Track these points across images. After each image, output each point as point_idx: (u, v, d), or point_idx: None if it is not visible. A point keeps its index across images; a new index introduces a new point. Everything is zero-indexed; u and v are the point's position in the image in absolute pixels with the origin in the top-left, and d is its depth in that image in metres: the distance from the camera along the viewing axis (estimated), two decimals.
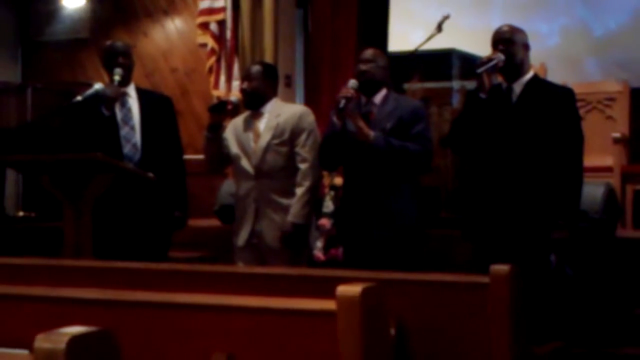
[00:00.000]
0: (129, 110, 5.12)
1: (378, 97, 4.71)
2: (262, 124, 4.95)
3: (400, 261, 4.43)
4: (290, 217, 4.81)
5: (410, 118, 4.63)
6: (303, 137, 4.89)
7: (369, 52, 4.77)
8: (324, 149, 4.74)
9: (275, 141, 4.89)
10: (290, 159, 4.89)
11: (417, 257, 4.62)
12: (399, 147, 4.53)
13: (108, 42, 5.42)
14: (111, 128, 5.02)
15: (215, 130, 4.94)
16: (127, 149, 5.05)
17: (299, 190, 4.84)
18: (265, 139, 4.90)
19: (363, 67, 4.67)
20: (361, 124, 4.54)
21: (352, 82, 4.58)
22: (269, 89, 5.00)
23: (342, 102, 4.47)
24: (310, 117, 4.98)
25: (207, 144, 5.01)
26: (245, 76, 5.04)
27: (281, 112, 4.96)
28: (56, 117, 5.33)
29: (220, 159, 5.08)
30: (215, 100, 7.65)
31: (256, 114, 4.98)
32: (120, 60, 5.10)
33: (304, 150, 4.87)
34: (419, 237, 4.71)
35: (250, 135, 4.95)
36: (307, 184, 4.84)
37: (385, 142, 4.52)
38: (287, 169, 4.89)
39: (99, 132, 4.96)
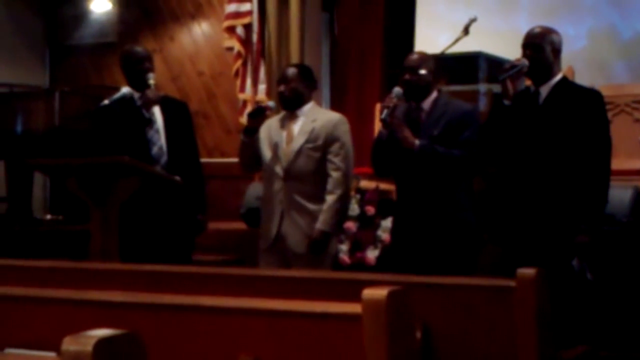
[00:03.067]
0: (152, 114, 5.15)
1: (427, 102, 4.66)
2: (297, 127, 4.95)
3: (459, 268, 4.36)
4: (320, 225, 4.82)
5: (458, 123, 4.57)
6: (337, 145, 4.89)
7: (413, 59, 4.70)
8: (374, 157, 4.73)
9: (309, 145, 4.89)
10: (321, 164, 4.89)
11: (476, 263, 4.58)
12: (443, 154, 4.49)
13: (127, 48, 5.47)
14: (140, 130, 5.06)
15: (252, 134, 4.95)
16: (154, 150, 5.09)
17: (330, 198, 4.84)
18: (299, 142, 4.91)
19: (407, 75, 4.63)
20: (406, 133, 4.51)
21: (396, 91, 4.54)
22: (306, 90, 5.01)
23: (385, 112, 4.46)
24: (345, 126, 4.98)
25: (243, 147, 5.03)
26: (282, 79, 5.03)
27: (317, 117, 4.96)
28: (84, 121, 5.36)
29: (254, 161, 5.10)
30: (246, 107, 7.70)
31: (291, 115, 4.98)
32: (147, 65, 5.15)
33: (338, 159, 4.87)
34: (478, 243, 4.67)
35: (284, 136, 4.96)
36: (339, 192, 4.85)
37: (431, 150, 4.49)
38: (317, 174, 4.89)
39: (128, 134, 5.00)
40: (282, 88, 4.97)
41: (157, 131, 5.14)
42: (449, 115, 4.60)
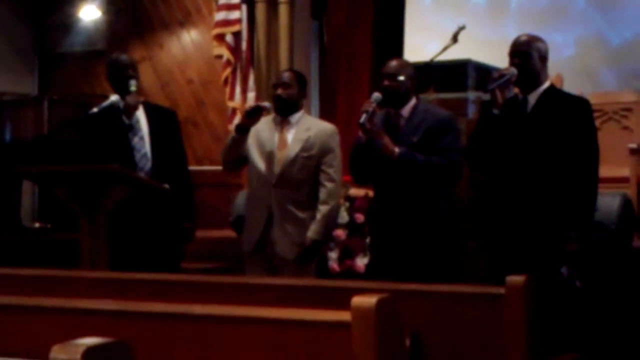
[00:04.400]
0: (137, 121, 5.14)
1: (406, 109, 4.66)
2: (290, 134, 4.95)
3: (435, 273, 4.39)
4: (313, 234, 4.84)
5: (438, 130, 4.58)
6: (331, 156, 4.91)
7: (392, 65, 4.70)
8: (353, 162, 4.73)
9: (304, 154, 4.90)
10: (313, 173, 4.91)
11: (453, 269, 4.59)
12: (423, 162, 4.50)
13: (111, 56, 5.48)
14: (124, 137, 5.05)
15: (244, 132, 4.93)
16: (137, 157, 5.07)
17: (324, 208, 4.86)
18: (294, 150, 4.91)
19: (386, 81, 4.63)
20: (386, 140, 4.51)
21: (375, 96, 4.53)
22: (301, 96, 5.04)
23: (363, 117, 4.45)
24: (337, 137, 5.03)
25: (233, 144, 4.99)
26: (280, 83, 5.00)
27: (311, 126, 4.97)
28: (72, 129, 5.36)
29: (238, 161, 5.09)
30: (235, 115, 7.69)
31: (283, 121, 4.97)
32: (131, 72, 5.14)
33: (332, 170, 4.89)
34: (454, 249, 4.68)
35: (276, 142, 4.95)
36: (332, 202, 4.91)
37: (410, 157, 4.49)
38: (308, 182, 4.91)
39: (113, 142, 5.00)
40: (279, 92, 4.95)
41: (142, 138, 5.12)
42: (428, 122, 4.61)
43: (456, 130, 4.71)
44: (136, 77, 5.15)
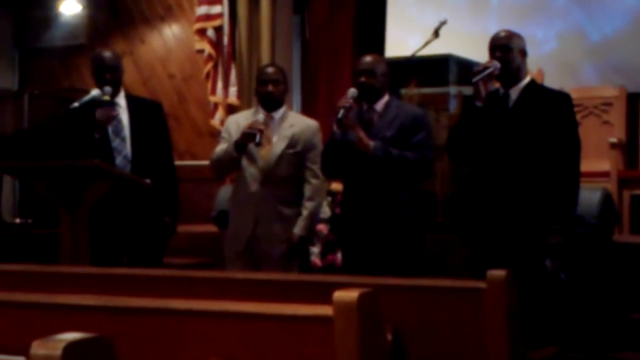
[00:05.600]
0: (119, 122, 5.06)
1: (379, 105, 4.69)
2: (274, 130, 4.93)
3: (399, 267, 4.43)
4: (299, 230, 4.84)
5: (411, 126, 4.62)
6: (315, 152, 4.91)
7: (367, 61, 4.72)
8: (326, 157, 4.74)
9: (290, 151, 4.89)
10: (298, 170, 4.91)
11: (416, 262, 4.62)
12: (397, 156, 4.53)
13: (96, 52, 5.41)
14: (102, 141, 4.98)
15: (243, 150, 4.86)
16: (118, 160, 5.02)
17: (310, 205, 4.88)
18: (279, 147, 4.89)
19: (363, 78, 4.64)
20: (361, 134, 4.53)
21: (352, 92, 4.55)
22: (286, 92, 5.05)
23: (341, 112, 4.46)
24: (320, 134, 5.03)
25: (230, 162, 4.89)
26: (269, 79, 4.93)
27: (294, 123, 4.96)
28: (53, 124, 5.32)
29: (230, 172, 5.12)
30: (217, 110, 7.68)
31: (267, 117, 4.91)
32: (108, 76, 5.03)
33: (317, 166, 4.89)
34: (417, 243, 4.70)
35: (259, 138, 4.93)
36: (318, 199, 4.96)
37: (385, 152, 4.52)
38: (293, 179, 4.91)
39: (92, 145, 4.93)
40: (270, 88, 4.90)
41: (124, 139, 5.07)
42: (401, 117, 4.64)
43: (428, 127, 4.76)
44: (114, 80, 5.03)
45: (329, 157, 4.71)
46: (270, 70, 5.05)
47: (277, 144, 4.90)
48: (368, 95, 4.65)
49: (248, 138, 4.71)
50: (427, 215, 5.75)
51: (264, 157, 4.88)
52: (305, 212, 4.87)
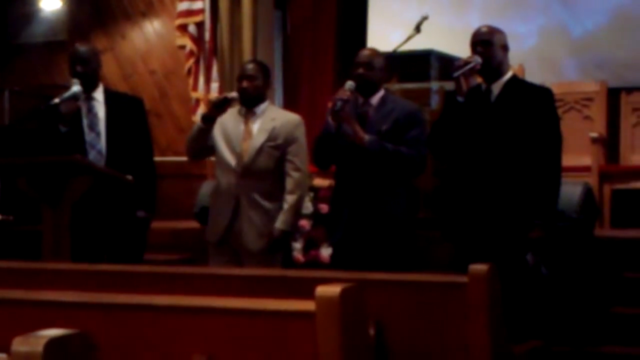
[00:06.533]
0: (95, 116, 5.07)
1: (375, 99, 4.70)
2: (256, 125, 4.94)
3: (390, 261, 4.45)
4: (281, 224, 4.83)
5: (406, 122, 4.63)
6: (296, 146, 4.91)
7: (365, 54, 4.76)
8: (318, 149, 4.74)
9: (270, 144, 4.89)
10: (279, 163, 4.90)
11: (407, 256, 4.63)
12: (392, 151, 4.54)
13: (74, 46, 5.39)
14: (76, 135, 4.97)
15: (210, 122, 4.91)
16: (92, 155, 5.01)
17: (291, 199, 4.86)
18: (259, 140, 4.90)
19: (361, 69, 4.66)
20: (357, 127, 4.54)
21: (349, 84, 4.57)
22: (266, 87, 5.03)
23: (339, 104, 4.47)
24: (302, 128, 5.01)
25: (198, 134, 4.97)
26: (245, 75, 4.96)
27: (276, 117, 4.97)
28: (34, 120, 5.29)
29: (203, 150, 5.08)
30: (199, 106, 7.67)
31: (249, 112, 4.95)
32: (78, 68, 5.03)
33: (298, 160, 4.89)
34: (409, 238, 4.71)
35: (241, 132, 4.93)
36: (299, 192, 4.90)
37: (380, 146, 4.53)
38: (274, 173, 4.90)
39: (64, 139, 4.91)
40: (245, 84, 4.92)
41: (98, 134, 5.06)
42: (397, 112, 4.66)
43: (423, 123, 4.79)
44: (85, 73, 5.00)
45: (322, 149, 4.72)
46: (247, 66, 5.07)
47: (257, 136, 4.91)
48: (364, 87, 4.66)
49: (216, 107, 4.84)
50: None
51: (245, 150, 4.89)
52: (285, 206, 4.86)
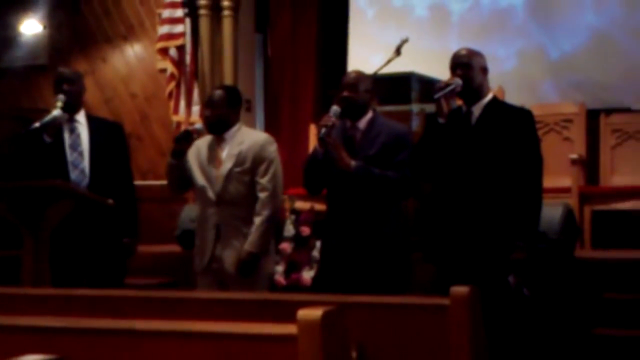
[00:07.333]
0: (78, 136, 5.09)
1: (363, 122, 4.68)
2: (225, 151, 4.93)
3: (384, 286, 4.43)
4: (247, 246, 4.81)
5: (393, 145, 4.61)
6: (264, 166, 4.88)
7: (351, 77, 4.74)
8: (307, 174, 4.73)
9: (237, 169, 4.87)
10: (253, 187, 4.88)
11: (400, 278, 4.61)
12: (379, 176, 4.53)
13: (59, 69, 5.43)
14: (57, 154, 4.98)
15: (179, 157, 4.92)
16: (74, 174, 5.01)
17: (257, 220, 4.84)
18: (226, 166, 4.89)
19: (346, 92, 4.64)
20: (342, 154, 4.54)
21: (334, 109, 4.54)
22: (232, 114, 4.97)
23: (324, 130, 4.47)
24: (272, 147, 4.96)
25: (170, 170, 5.00)
26: (208, 103, 4.98)
27: (244, 140, 4.94)
28: (13, 144, 5.28)
29: (182, 183, 5.07)
30: (180, 129, 7.66)
31: (219, 139, 4.95)
32: (65, 87, 5.06)
33: (264, 180, 4.87)
34: (404, 262, 4.70)
35: (213, 160, 4.93)
36: (265, 213, 4.84)
37: (366, 171, 4.52)
38: (250, 197, 4.88)
39: (46, 158, 4.92)
40: (207, 113, 4.93)
41: (81, 154, 5.07)
42: (384, 135, 4.63)
43: (412, 145, 4.74)
44: (70, 92, 5.04)
45: (311, 175, 4.71)
46: (213, 93, 5.07)
47: (225, 163, 4.90)
48: (351, 110, 4.64)
49: (180, 142, 4.88)
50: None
51: (217, 177, 4.89)
52: (252, 228, 4.84)
